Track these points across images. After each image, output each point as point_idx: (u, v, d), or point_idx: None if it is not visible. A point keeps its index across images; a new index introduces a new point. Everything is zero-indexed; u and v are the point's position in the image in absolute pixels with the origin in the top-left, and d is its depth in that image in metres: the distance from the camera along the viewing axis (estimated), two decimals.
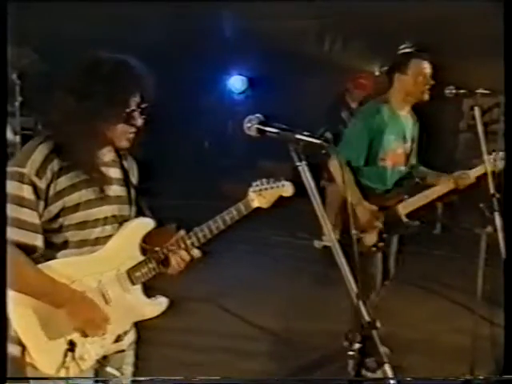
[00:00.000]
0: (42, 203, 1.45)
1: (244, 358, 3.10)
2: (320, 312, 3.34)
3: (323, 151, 1.22)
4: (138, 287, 1.59)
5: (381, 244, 2.68)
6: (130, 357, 1.69)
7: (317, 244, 4.74)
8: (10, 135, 4.18)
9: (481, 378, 2.63)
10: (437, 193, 2.80)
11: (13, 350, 1.50)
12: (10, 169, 1.45)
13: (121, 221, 1.59)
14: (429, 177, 2.90)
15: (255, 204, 1.57)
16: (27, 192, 1.43)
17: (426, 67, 2.83)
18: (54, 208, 1.46)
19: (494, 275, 3.07)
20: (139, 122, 1.51)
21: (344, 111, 4.65)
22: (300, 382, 2.91)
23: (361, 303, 1.08)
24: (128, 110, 1.48)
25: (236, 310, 3.67)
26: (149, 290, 1.65)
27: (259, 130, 1.28)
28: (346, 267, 1.13)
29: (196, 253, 1.61)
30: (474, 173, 2.76)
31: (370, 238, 2.66)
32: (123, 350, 1.65)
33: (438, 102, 4.63)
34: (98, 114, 1.46)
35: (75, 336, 1.48)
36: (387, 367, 1.06)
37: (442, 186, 2.78)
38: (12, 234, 1.40)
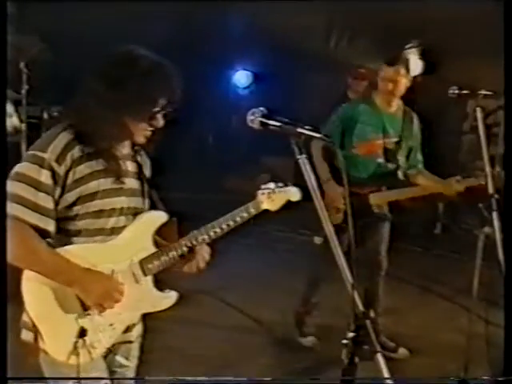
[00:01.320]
0: (58, 189, 1.47)
1: (243, 351, 3.14)
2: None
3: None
4: (149, 279, 1.61)
5: (344, 225, 2.67)
6: (136, 349, 1.72)
7: (317, 240, 4.76)
8: (16, 123, 4.21)
9: (484, 378, 2.66)
10: (415, 193, 2.94)
11: (26, 335, 1.53)
12: (30, 152, 1.48)
13: (134, 213, 1.62)
14: (419, 177, 2.97)
15: (264, 206, 1.62)
16: (45, 177, 1.45)
17: (394, 75, 2.93)
18: (71, 195, 1.49)
19: (490, 275, 3.10)
20: (161, 123, 1.54)
21: None
22: (300, 381, 2.94)
23: (355, 293, 1.11)
24: (154, 110, 1.51)
25: (237, 303, 3.70)
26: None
27: (262, 123, 1.31)
28: (342, 258, 1.16)
29: (206, 248, 1.64)
30: (464, 184, 2.83)
31: (336, 218, 2.78)
32: (131, 341, 1.68)
33: (442, 102, 4.65)
34: (127, 107, 1.48)
35: (86, 323, 1.50)
36: (380, 356, 1.09)
37: (420, 189, 2.92)
38: (25, 215, 1.43)
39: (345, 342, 1.09)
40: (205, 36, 5.24)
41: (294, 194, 1.63)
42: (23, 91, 4.09)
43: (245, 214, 1.61)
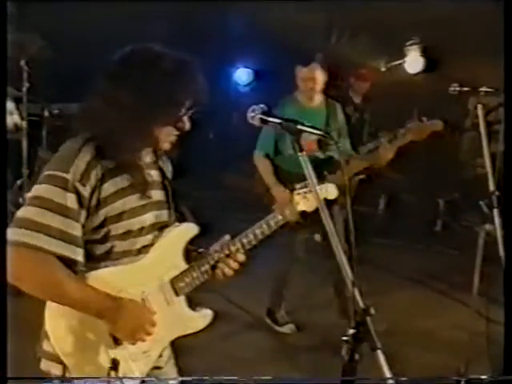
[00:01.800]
0: (83, 213, 1.32)
1: (241, 347, 3.15)
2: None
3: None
4: (182, 299, 1.48)
5: (302, 221, 2.89)
6: (166, 374, 1.55)
7: (317, 238, 4.77)
8: (17, 120, 4.21)
9: (483, 377, 2.66)
10: (352, 171, 3.10)
11: (54, 370, 1.40)
12: (49, 173, 1.31)
13: (161, 227, 1.47)
14: (352, 160, 3.15)
15: (301, 207, 1.56)
16: (70, 201, 1.29)
17: (310, 73, 3.11)
18: (97, 217, 1.35)
19: (491, 272, 3.10)
20: (187, 126, 1.41)
21: (348, 106, 4.65)
22: (300, 381, 2.95)
23: (356, 290, 1.11)
24: (181, 113, 1.38)
25: (237, 299, 3.70)
26: None
27: (262, 120, 1.31)
28: (342, 255, 1.16)
29: (241, 258, 1.51)
30: (396, 144, 2.99)
31: (291, 217, 2.91)
32: (160, 367, 1.52)
33: (442, 100, 4.64)
34: (153, 113, 1.33)
35: (118, 353, 1.39)
36: (380, 353, 1.09)
37: (354, 166, 3.08)
38: (51, 245, 1.28)
39: (345, 338, 1.09)
40: (205, 34, 5.24)
41: (331, 191, 1.58)
42: (24, 89, 4.08)
43: (279, 217, 1.53)
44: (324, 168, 3.03)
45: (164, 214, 1.48)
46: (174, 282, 1.46)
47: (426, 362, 3.02)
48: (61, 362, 1.38)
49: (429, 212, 5.44)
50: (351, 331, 1.09)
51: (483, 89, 2.54)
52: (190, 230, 1.48)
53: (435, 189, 5.54)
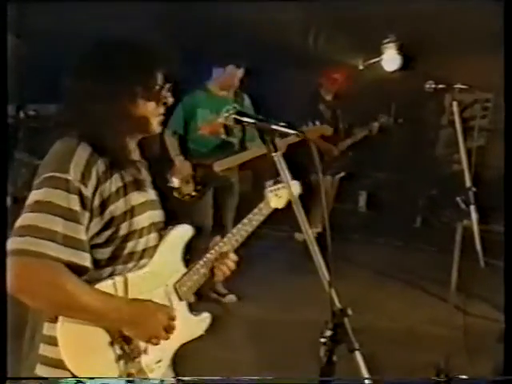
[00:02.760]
0: (87, 215, 1.24)
1: (223, 347, 3.13)
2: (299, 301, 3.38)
3: None
4: (184, 303, 1.44)
5: (194, 193, 3.37)
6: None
7: (298, 236, 4.78)
8: None
9: (483, 378, 2.69)
10: (250, 156, 3.39)
11: (47, 373, 1.30)
12: (46, 175, 1.22)
13: (159, 228, 1.41)
14: (254, 147, 3.43)
15: (273, 204, 1.56)
16: (73, 203, 1.21)
17: (226, 76, 3.52)
18: (101, 219, 1.26)
19: (468, 267, 3.15)
20: (170, 100, 1.37)
21: (321, 104, 4.69)
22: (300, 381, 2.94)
23: (332, 291, 1.10)
24: (157, 85, 1.33)
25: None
26: None
27: (236, 120, 1.30)
28: (318, 255, 1.16)
29: (234, 257, 1.51)
30: (285, 141, 3.08)
31: (187, 188, 3.35)
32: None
33: (419, 97, 4.69)
34: (130, 91, 1.30)
35: (134, 366, 1.32)
36: (358, 354, 1.09)
37: (253, 151, 3.37)
38: (58, 252, 1.18)
39: (323, 340, 1.08)
40: (185, 33, 5.19)
41: (295, 188, 1.56)
42: None
43: (260, 217, 1.54)
44: (224, 151, 3.44)
45: (159, 214, 1.42)
46: (177, 286, 1.42)
47: (406, 358, 3.04)
48: (62, 368, 1.28)
49: (408, 209, 5.50)
50: (329, 333, 1.08)
51: (458, 86, 2.56)
52: (186, 232, 1.45)
53: (414, 185, 5.60)
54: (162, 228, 1.42)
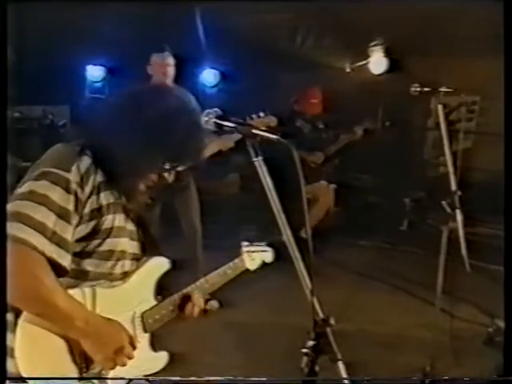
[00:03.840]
0: (76, 218, 1.23)
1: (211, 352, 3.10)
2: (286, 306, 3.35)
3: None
4: (147, 336, 1.40)
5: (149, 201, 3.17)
6: None
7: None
8: None
9: (483, 378, 2.69)
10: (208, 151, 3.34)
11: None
12: (46, 169, 1.21)
13: (134, 258, 1.41)
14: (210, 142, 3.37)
15: (246, 265, 1.64)
16: (70, 202, 1.20)
17: (159, 60, 3.48)
18: (85, 228, 1.25)
19: (454, 270, 3.15)
20: (171, 179, 1.37)
21: (299, 120, 4.70)
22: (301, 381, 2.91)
23: (315, 299, 1.07)
24: (169, 167, 1.33)
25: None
26: None
27: (217, 124, 1.27)
28: (300, 263, 1.13)
29: (201, 304, 1.52)
30: (234, 138, 3.20)
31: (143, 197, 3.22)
32: None
33: (407, 100, 4.69)
34: (155, 156, 1.29)
35: None
36: (341, 365, 1.06)
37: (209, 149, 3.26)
38: (44, 246, 1.17)
39: (305, 350, 1.06)
40: (172, 35, 5.15)
41: (267, 256, 1.70)
42: None
43: (233, 273, 1.61)
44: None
45: (137, 246, 1.42)
46: (144, 316, 1.40)
47: (392, 362, 3.03)
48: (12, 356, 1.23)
49: (395, 211, 5.50)
50: (311, 343, 1.05)
51: (443, 89, 2.56)
52: (162, 264, 1.45)
53: (401, 188, 5.60)
54: (138, 258, 1.42)
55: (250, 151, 1.21)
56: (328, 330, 1.06)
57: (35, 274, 1.16)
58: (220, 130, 1.25)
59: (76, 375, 1.26)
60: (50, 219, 1.18)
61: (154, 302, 1.42)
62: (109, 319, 1.29)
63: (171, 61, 3.49)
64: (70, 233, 1.21)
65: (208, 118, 1.28)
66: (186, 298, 1.47)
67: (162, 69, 3.44)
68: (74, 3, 4.41)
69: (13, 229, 1.15)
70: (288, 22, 5.40)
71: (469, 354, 2.89)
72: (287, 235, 1.16)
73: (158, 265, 1.44)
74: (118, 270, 1.34)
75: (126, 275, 1.37)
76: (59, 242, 1.19)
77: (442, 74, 4.12)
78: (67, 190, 1.20)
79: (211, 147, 3.23)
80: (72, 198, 1.20)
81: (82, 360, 1.27)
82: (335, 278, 3.89)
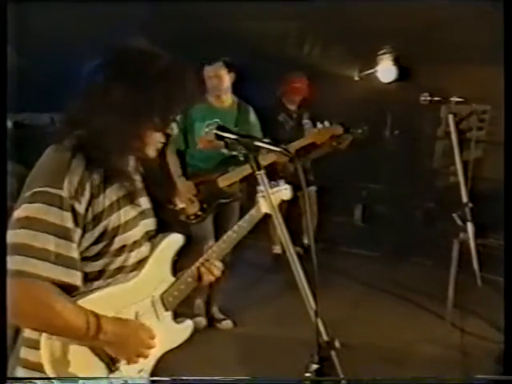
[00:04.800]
0: (79, 231, 1.22)
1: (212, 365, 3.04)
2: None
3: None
4: (169, 313, 1.44)
5: (200, 213, 3.19)
6: None
7: (277, 249, 4.65)
8: None
9: (483, 378, 2.61)
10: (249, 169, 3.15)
11: (33, 356, 1.27)
12: (37, 189, 1.18)
13: (149, 237, 1.40)
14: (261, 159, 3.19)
15: (264, 209, 1.52)
16: (67, 220, 1.18)
17: (214, 72, 3.27)
18: (92, 234, 1.25)
19: (465, 283, 3.07)
20: (175, 131, 1.33)
21: (281, 114, 4.48)
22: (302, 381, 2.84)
23: (319, 321, 1.02)
24: (172, 117, 1.29)
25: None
26: None
27: (217, 136, 1.22)
28: (303, 281, 1.07)
29: (219, 264, 1.51)
30: (294, 146, 3.08)
31: (192, 208, 3.17)
32: None
33: (415, 109, 4.64)
34: (147, 115, 1.24)
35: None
36: None
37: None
38: (49, 271, 1.16)
39: (308, 374, 1.00)
40: (179, 41, 5.14)
41: (285, 193, 1.62)
42: None
43: (250, 223, 1.54)
44: (226, 164, 3.23)
45: (152, 222, 1.41)
46: (163, 297, 1.42)
47: (399, 376, 2.95)
48: (41, 371, 1.25)
49: (404, 221, 5.42)
50: (314, 367, 1.00)
51: (454, 99, 2.50)
52: (176, 241, 1.43)
53: (410, 198, 5.53)
54: (154, 236, 1.40)
55: (252, 164, 1.16)
56: (332, 353, 1.00)
57: (44, 303, 1.17)
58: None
59: (106, 372, 1.30)
60: (50, 243, 1.17)
61: (171, 280, 1.43)
62: (125, 321, 1.31)
63: (223, 71, 3.29)
64: (74, 250, 1.20)
65: (208, 130, 1.23)
66: (202, 266, 1.47)
67: (216, 81, 3.25)
68: (86, 11, 4.41)
69: (14, 263, 1.15)
70: (295, 31, 5.38)
71: (480, 373, 2.80)
72: (290, 250, 1.11)
73: (173, 242, 1.43)
74: (131, 261, 1.34)
75: (140, 263, 1.36)
76: (65, 263, 1.19)
77: (452, 83, 4.06)
78: (63, 208, 1.17)
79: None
80: (69, 215, 1.18)
81: (108, 358, 1.30)
82: (343, 289, 3.81)
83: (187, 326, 1.49)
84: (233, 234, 1.51)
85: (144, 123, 1.26)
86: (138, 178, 1.39)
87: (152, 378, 1.41)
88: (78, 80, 1.31)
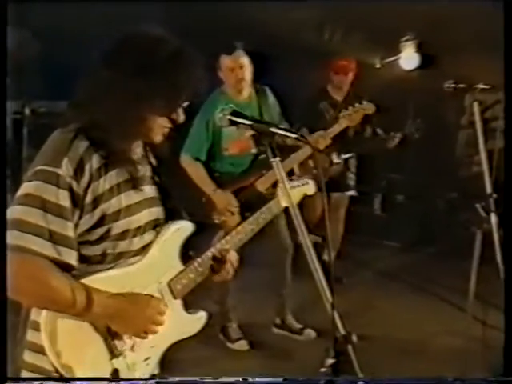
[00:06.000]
0: (77, 212, 1.22)
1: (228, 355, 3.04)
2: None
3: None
4: (179, 302, 1.41)
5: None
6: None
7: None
8: None
9: (483, 378, 2.57)
10: (296, 161, 2.90)
11: (38, 339, 1.27)
12: (38, 168, 1.21)
13: (155, 225, 1.39)
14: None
15: (284, 203, 1.49)
16: (63, 198, 1.19)
17: (234, 63, 2.97)
18: (93, 216, 1.24)
19: (488, 275, 3.00)
20: (181, 118, 1.32)
21: (322, 102, 4.05)
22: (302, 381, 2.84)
23: (336, 314, 0.98)
24: (179, 103, 1.29)
25: None
26: None
27: (231, 122, 1.19)
28: (320, 275, 1.04)
29: (235, 257, 1.48)
30: (330, 133, 2.95)
31: (233, 220, 2.83)
32: (155, 375, 1.44)
33: (439, 97, 4.53)
34: (151, 99, 1.23)
35: (119, 363, 1.30)
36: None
37: (300, 154, 2.90)
38: (43, 248, 1.18)
39: (323, 369, 0.97)
40: (196, 31, 5.11)
41: (309, 187, 1.62)
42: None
43: (268, 215, 1.51)
44: (260, 165, 2.93)
45: (158, 211, 1.39)
46: (171, 284, 1.39)
47: (417, 371, 2.91)
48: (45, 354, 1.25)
49: (425, 212, 5.33)
50: (330, 361, 0.96)
51: (479, 85, 2.41)
52: (186, 228, 1.41)
53: (432, 188, 5.43)
54: (161, 225, 1.39)
55: (268, 151, 1.12)
56: (349, 347, 0.97)
57: (40, 278, 1.17)
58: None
59: (109, 357, 1.28)
60: (45, 220, 1.18)
61: (180, 268, 1.40)
62: (128, 295, 1.29)
63: (246, 61, 3.00)
64: (70, 228, 1.21)
65: (223, 115, 1.20)
66: (219, 257, 1.43)
67: (236, 72, 2.95)
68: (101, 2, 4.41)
69: (11, 238, 1.17)
70: (316, 19, 5.30)
71: (499, 366, 2.74)
72: (307, 244, 1.07)
73: (181, 229, 1.40)
74: (135, 247, 1.33)
75: (144, 249, 1.35)
76: (60, 241, 1.19)
77: (477, 70, 3.95)
78: (60, 186, 1.19)
79: (296, 158, 2.90)
80: (66, 193, 1.19)
81: (111, 340, 1.29)
82: (362, 280, 3.77)
83: (200, 317, 1.45)
84: (248, 226, 1.48)
85: (147, 107, 1.25)
86: (145, 166, 1.38)
87: (154, 379, 1.39)
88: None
